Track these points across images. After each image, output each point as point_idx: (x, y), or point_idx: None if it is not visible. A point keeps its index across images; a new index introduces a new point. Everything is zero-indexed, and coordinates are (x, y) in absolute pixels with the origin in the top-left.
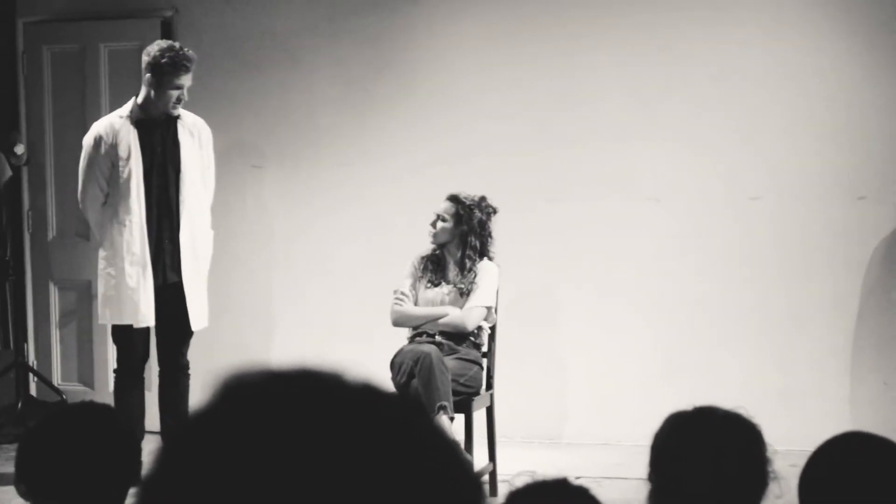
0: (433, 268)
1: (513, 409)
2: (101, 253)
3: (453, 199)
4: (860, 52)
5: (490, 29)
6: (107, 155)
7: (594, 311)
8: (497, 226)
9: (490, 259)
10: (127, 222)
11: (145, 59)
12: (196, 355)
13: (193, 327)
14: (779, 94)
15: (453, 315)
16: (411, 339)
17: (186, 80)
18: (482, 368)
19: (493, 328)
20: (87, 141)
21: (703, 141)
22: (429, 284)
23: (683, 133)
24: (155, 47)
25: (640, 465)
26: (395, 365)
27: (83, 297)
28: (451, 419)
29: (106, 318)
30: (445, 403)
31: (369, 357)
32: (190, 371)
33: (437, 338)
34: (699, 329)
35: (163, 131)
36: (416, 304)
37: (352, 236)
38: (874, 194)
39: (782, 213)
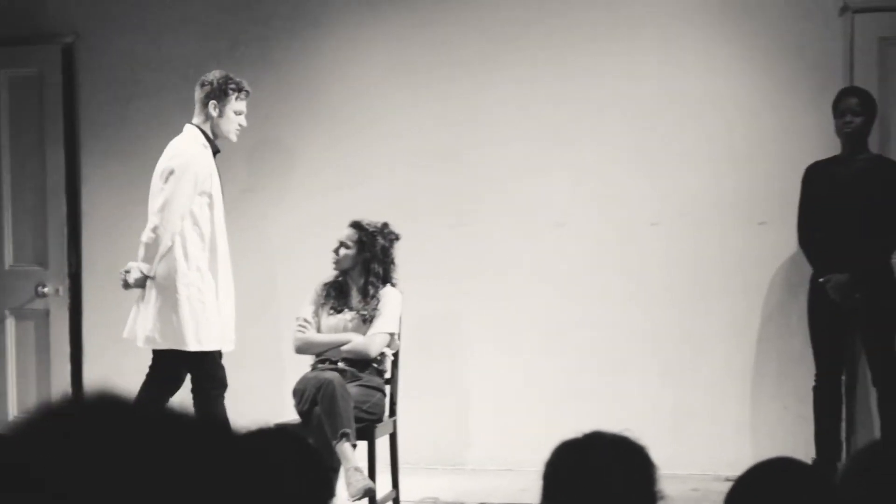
0: (336, 294)
1: (416, 435)
2: (185, 282)
3: (356, 225)
4: (760, 79)
5: (394, 54)
6: (201, 184)
7: (497, 337)
8: (400, 251)
9: (393, 285)
10: (219, 251)
11: (207, 88)
12: (93, 382)
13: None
14: (679, 121)
15: (356, 342)
16: (314, 366)
17: (245, 107)
18: (385, 395)
19: (396, 355)
20: (185, 168)
21: (604, 166)
22: (331, 311)
23: (585, 158)
24: (215, 75)
25: None
26: (297, 392)
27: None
28: (354, 446)
29: (200, 343)
30: (348, 430)
31: (273, 384)
32: None
33: (340, 364)
34: (601, 353)
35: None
36: (318, 331)
37: (254, 262)
38: (774, 219)
39: (683, 238)
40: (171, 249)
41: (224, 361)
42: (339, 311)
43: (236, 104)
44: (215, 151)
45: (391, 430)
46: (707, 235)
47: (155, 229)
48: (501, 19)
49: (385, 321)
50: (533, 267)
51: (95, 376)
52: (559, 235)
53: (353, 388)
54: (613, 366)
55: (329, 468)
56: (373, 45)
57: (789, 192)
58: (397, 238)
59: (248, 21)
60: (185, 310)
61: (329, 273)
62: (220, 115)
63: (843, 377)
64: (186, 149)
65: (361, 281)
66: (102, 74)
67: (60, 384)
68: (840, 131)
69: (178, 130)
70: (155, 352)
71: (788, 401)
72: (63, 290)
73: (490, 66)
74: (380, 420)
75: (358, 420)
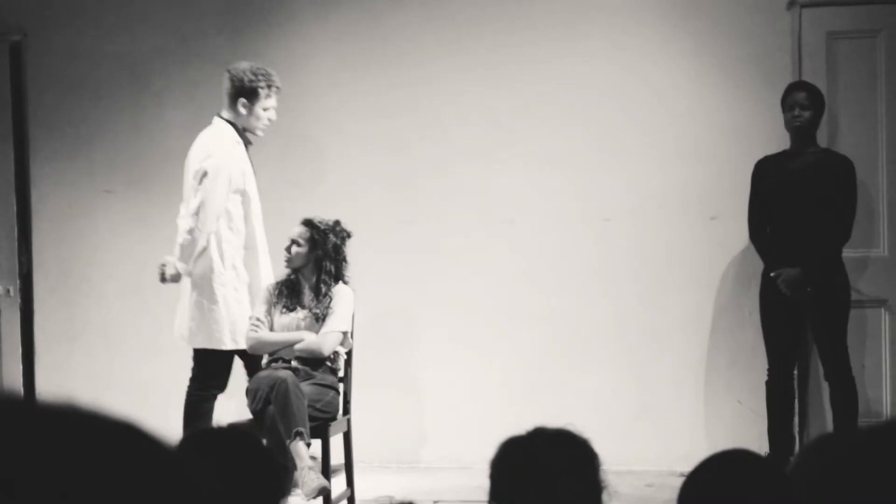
0: (288, 293)
1: (371, 433)
2: (222, 280)
3: (308, 223)
4: (709, 74)
5: (346, 50)
6: (235, 183)
7: (451, 334)
8: (352, 248)
9: (345, 283)
10: (258, 248)
11: (237, 85)
12: (44, 382)
13: None
14: (630, 116)
15: (309, 340)
16: (267, 365)
17: (275, 103)
18: (339, 393)
19: (349, 353)
20: (217, 170)
21: (557, 162)
22: (284, 310)
23: (538, 154)
24: (245, 73)
25: None
26: (250, 391)
27: None
28: (308, 445)
29: (235, 342)
30: (302, 429)
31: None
32: None
33: (294, 363)
34: (556, 348)
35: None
36: (271, 329)
37: None
38: (725, 214)
39: (636, 232)
40: (206, 249)
41: (172, 360)
42: (292, 310)
43: (266, 101)
44: (246, 144)
45: (345, 429)
46: (659, 230)
47: (191, 231)
48: (450, 15)
49: (338, 319)
50: (486, 263)
51: (47, 376)
52: (512, 231)
53: (306, 387)
54: (567, 362)
55: (282, 467)
56: (321, 40)
57: (740, 186)
58: (349, 235)
59: (196, 18)
60: (221, 310)
61: (281, 271)
62: (250, 113)
63: (796, 371)
64: (218, 148)
65: (314, 279)
66: (51, 73)
67: (12, 385)
68: (789, 125)
69: (128, 129)
70: (194, 350)
71: (741, 395)
72: (14, 290)
73: (441, 62)
74: (334, 418)
75: (312, 419)
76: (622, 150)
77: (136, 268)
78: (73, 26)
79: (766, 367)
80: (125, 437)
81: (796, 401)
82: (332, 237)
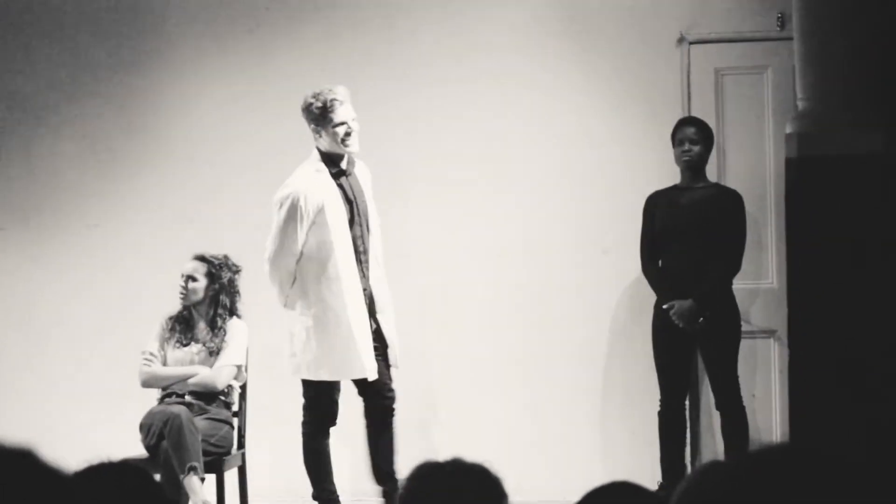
0: (182, 328)
1: (266, 467)
2: (304, 311)
3: (201, 258)
4: (601, 109)
5: (234, 88)
6: (313, 214)
7: None
8: (243, 283)
9: (239, 317)
10: (339, 277)
11: (302, 113)
12: None
13: (398, 365)
14: (523, 150)
15: (203, 374)
16: (161, 400)
17: (346, 114)
18: (233, 428)
19: (243, 387)
20: (286, 201)
21: (447, 196)
22: (177, 344)
23: (429, 189)
24: (306, 100)
25: None
26: (144, 427)
27: None
28: (202, 480)
29: (322, 374)
30: (196, 464)
31: (119, 419)
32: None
33: (187, 398)
34: (450, 381)
35: (350, 180)
36: (164, 364)
37: (99, 298)
38: (617, 247)
39: (528, 266)
40: (295, 280)
41: (64, 397)
42: (186, 345)
43: (334, 117)
44: (339, 173)
45: (240, 463)
46: (550, 264)
47: (268, 259)
48: (344, 52)
49: (232, 353)
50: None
51: None
52: (407, 265)
53: (200, 422)
54: (461, 394)
55: (174, 502)
56: (212, 75)
57: (631, 220)
58: (239, 270)
59: (85, 53)
60: (301, 343)
61: (175, 306)
62: (324, 135)
63: (687, 401)
64: (295, 179)
65: (210, 313)
66: None
67: None
68: (679, 160)
69: (20, 166)
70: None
71: (635, 425)
72: None
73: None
74: (228, 453)
75: (206, 453)
76: (512, 184)
77: (27, 306)
78: None
79: (659, 397)
80: (22, 464)
81: (688, 430)
82: (226, 271)
